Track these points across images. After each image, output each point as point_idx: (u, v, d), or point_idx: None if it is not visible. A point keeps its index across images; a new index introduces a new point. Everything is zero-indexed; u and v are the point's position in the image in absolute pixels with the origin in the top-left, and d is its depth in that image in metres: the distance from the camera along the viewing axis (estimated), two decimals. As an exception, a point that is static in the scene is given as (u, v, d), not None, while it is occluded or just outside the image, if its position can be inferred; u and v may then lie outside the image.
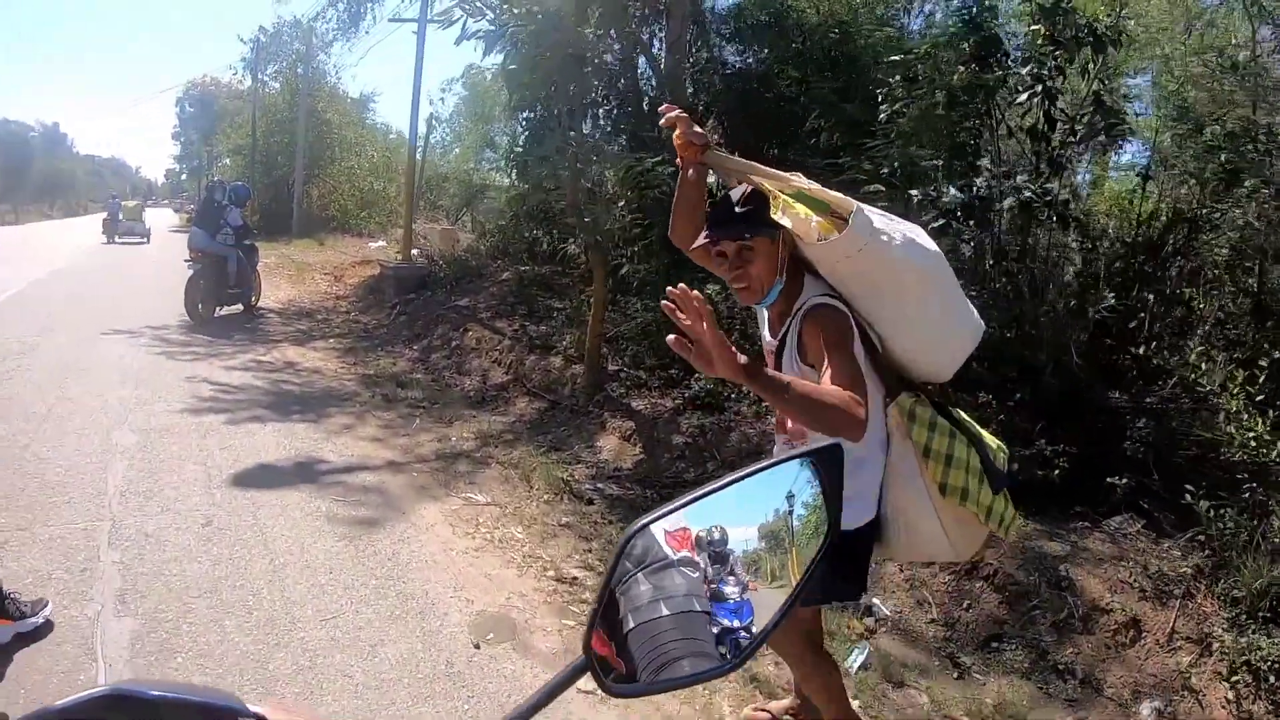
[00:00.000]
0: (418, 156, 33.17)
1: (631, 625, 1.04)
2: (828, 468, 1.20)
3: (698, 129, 2.84)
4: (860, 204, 2.55)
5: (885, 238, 2.53)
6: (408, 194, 17.50)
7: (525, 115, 15.83)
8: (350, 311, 15.29)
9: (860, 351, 2.58)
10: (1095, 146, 8.32)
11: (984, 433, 2.96)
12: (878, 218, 2.57)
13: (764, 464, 1.14)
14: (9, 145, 64.46)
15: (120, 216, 33.12)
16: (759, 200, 2.63)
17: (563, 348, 10.39)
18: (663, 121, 2.82)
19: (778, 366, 2.79)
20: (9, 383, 8.85)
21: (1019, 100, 7.29)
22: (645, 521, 1.05)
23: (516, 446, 7.95)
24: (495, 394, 10.02)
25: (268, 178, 32.43)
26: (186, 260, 13.59)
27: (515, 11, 8.94)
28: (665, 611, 1.06)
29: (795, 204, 2.53)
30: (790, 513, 1.18)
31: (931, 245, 2.68)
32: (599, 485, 7.13)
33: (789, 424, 2.91)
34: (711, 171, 3.01)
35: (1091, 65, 7.37)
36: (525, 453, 7.75)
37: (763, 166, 2.68)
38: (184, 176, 79.83)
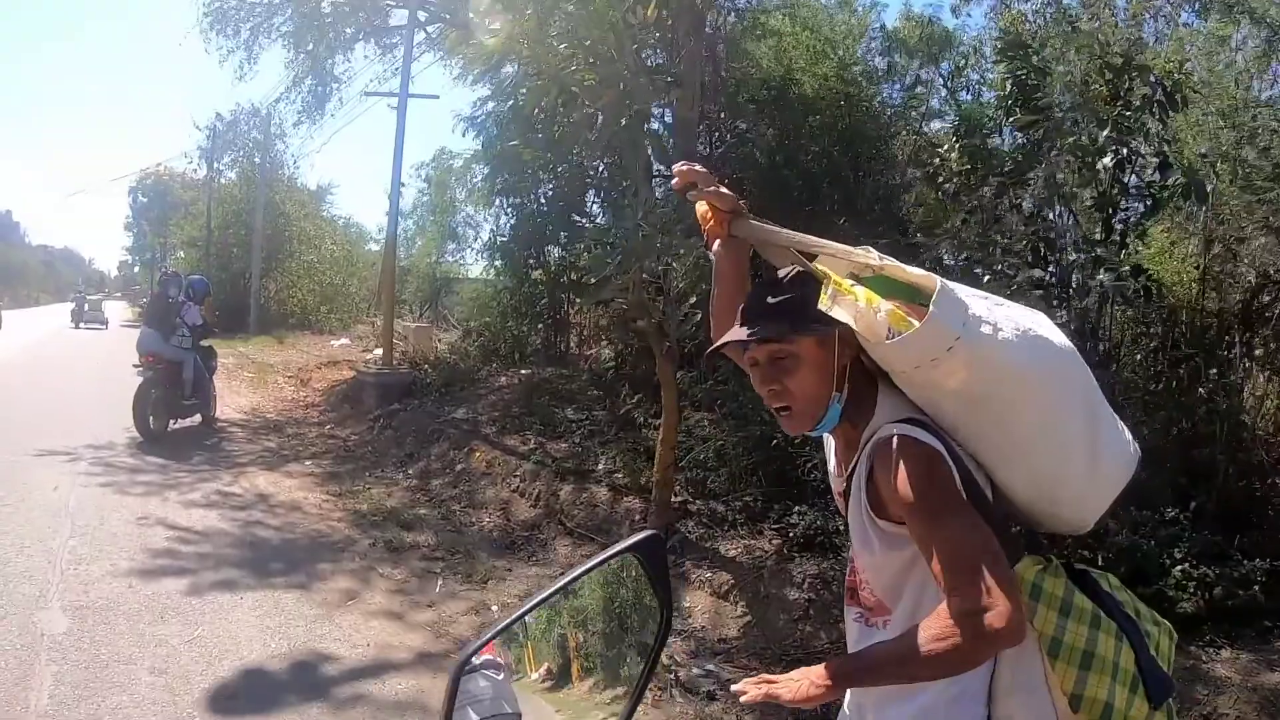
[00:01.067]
0: (379, 249, 32.06)
1: None
2: (650, 557, 1.21)
3: (724, 189, 2.10)
4: (946, 282, 1.77)
5: (987, 329, 1.76)
6: (387, 289, 15.53)
7: (511, 201, 14.20)
8: (324, 423, 13.16)
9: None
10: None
11: (1140, 606, 2.02)
12: (976, 301, 1.81)
13: (586, 566, 1.18)
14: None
15: (85, 308, 38.84)
16: (807, 285, 1.89)
17: (602, 474, 8.55)
18: (676, 183, 2.15)
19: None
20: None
21: (1102, 164, 6.65)
22: (484, 640, 1.11)
23: (577, 618, 5.86)
24: (525, 535, 8.13)
25: (224, 272, 30.25)
26: (136, 365, 11.46)
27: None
28: (474, 717, 1.05)
29: (853, 288, 1.79)
30: (624, 606, 1.22)
31: (1060, 338, 1.89)
32: (709, 668, 5.40)
33: (862, 594, 2.02)
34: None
35: (1158, 125, 6.86)
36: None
37: (814, 238, 1.94)
38: (136, 269, 77.44)
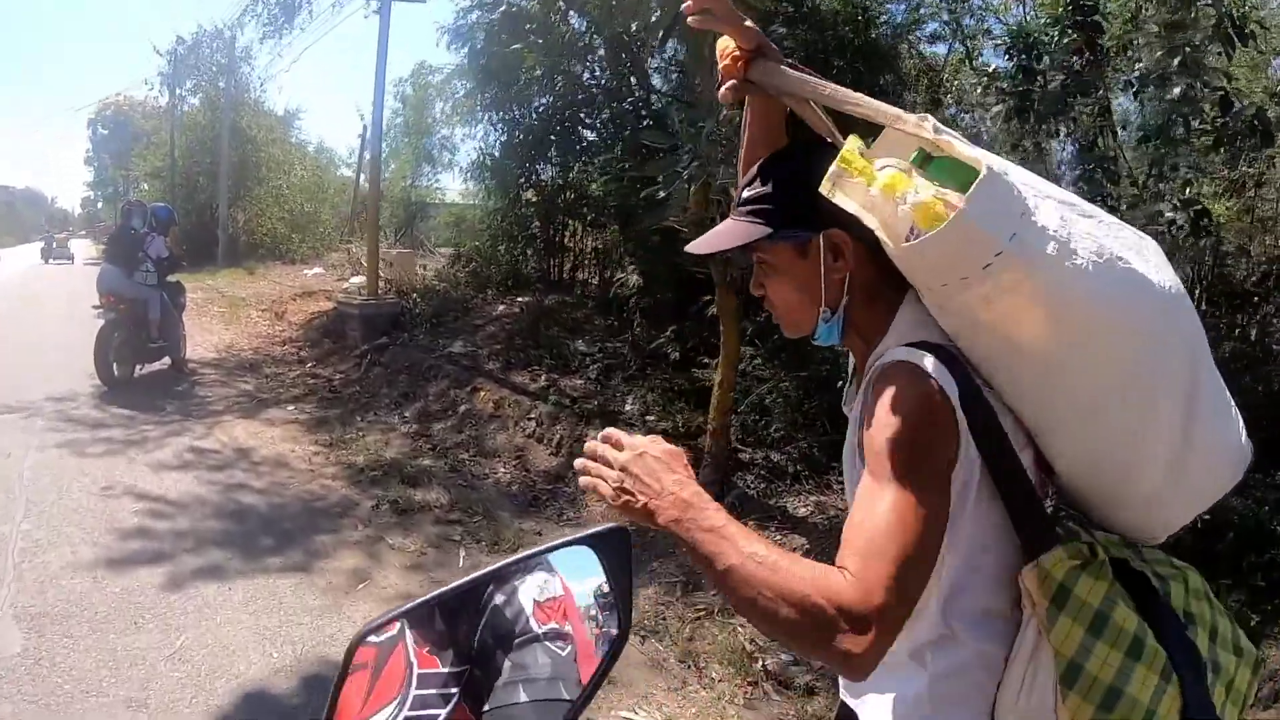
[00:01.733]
0: (352, 174, 30.51)
1: (488, 707, 0.92)
2: (611, 553, 1.08)
3: (748, 23, 1.53)
4: (998, 167, 1.26)
5: (1052, 247, 1.26)
6: (371, 212, 14.06)
7: (503, 116, 12.92)
8: (305, 361, 11.94)
9: (969, 477, 1.35)
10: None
11: (1222, 623, 1.45)
12: (1047, 206, 1.30)
13: (543, 547, 1.07)
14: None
15: (54, 245, 42.70)
16: (805, 163, 1.46)
17: (633, 415, 7.52)
18: (686, 6, 1.52)
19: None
20: None
21: (1169, 96, 6.07)
22: (367, 630, 0.91)
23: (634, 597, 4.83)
24: (549, 489, 7.12)
25: (190, 203, 28.33)
26: (95, 307, 10.20)
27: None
28: (524, 697, 0.94)
29: (873, 167, 1.32)
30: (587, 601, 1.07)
31: (1165, 277, 1.35)
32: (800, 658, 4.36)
33: None
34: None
35: (1220, 60, 6.21)
36: (656, 606, 4.92)
37: (851, 93, 1.41)
38: (100, 205, 74.86)
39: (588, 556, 1.07)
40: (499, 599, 0.99)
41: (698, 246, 1.58)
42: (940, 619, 1.43)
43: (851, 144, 1.37)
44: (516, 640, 0.97)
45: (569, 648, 0.99)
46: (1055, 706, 1.33)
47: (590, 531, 1.07)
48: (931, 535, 1.27)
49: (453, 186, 28.39)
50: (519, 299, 11.70)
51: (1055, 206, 1.31)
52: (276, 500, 6.59)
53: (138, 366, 10.34)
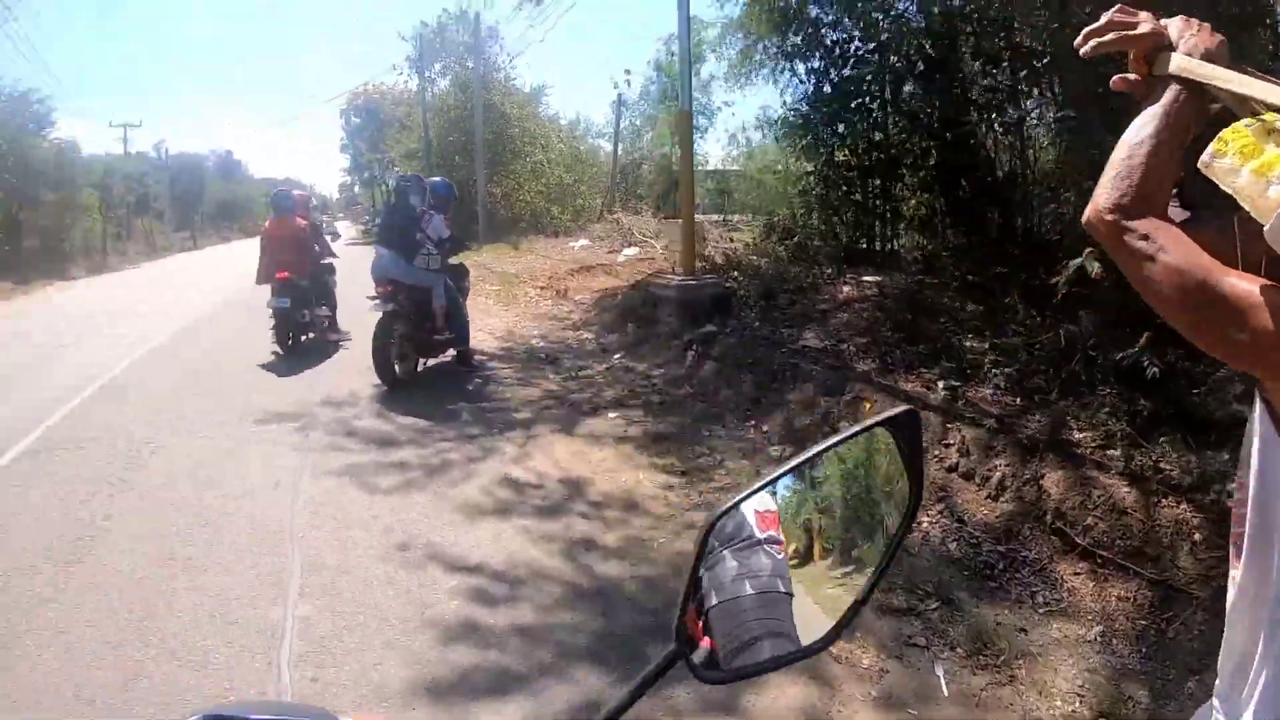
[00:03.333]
0: (609, 145, 28.95)
1: (714, 602, 0.98)
2: (905, 435, 1.12)
3: (1143, 23, 1.45)
4: None
5: None
6: (685, 178, 11.55)
7: (812, 67, 10.74)
8: (609, 350, 9.92)
9: None
10: None
11: None
12: None
13: (843, 435, 1.09)
14: (187, 175, 62.70)
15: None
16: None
17: (1091, 446, 5.49)
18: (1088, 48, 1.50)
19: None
20: (81, 571, 4.43)
21: None
22: (733, 502, 1.01)
23: None
24: (1000, 551, 4.90)
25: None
26: (371, 297, 8.52)
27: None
28: (749, 590, 1.00)
29: (1261, 149, 1.23)
30: (873, 483, 1.14)
31: None
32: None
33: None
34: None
35: None
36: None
37: (1264, 83, 1.31)
38: (356, 188, 77.09)
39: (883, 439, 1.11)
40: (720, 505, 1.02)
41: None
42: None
43: (1240, 124, 1.27)
44: (739, 544, 1.00)
45: (784, 553, 1.02)
46: None
47: (885, 415, 1.09)
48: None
49: (714, 153, 26.54)
50: (865, 278, 9.29)
51: None
52: (646, 572, 4.53)
53: (421, 362, 8.64)
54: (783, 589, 1.01)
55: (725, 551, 1.00)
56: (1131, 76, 1.46)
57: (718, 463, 6.12)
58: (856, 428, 1.09)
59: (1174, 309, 1.30)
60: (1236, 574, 1.39)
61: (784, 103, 12.21)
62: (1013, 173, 9.63)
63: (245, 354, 10.01)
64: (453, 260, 9.24)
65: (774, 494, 1.05)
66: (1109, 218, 1.37)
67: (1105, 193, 1.38)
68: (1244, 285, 1.24)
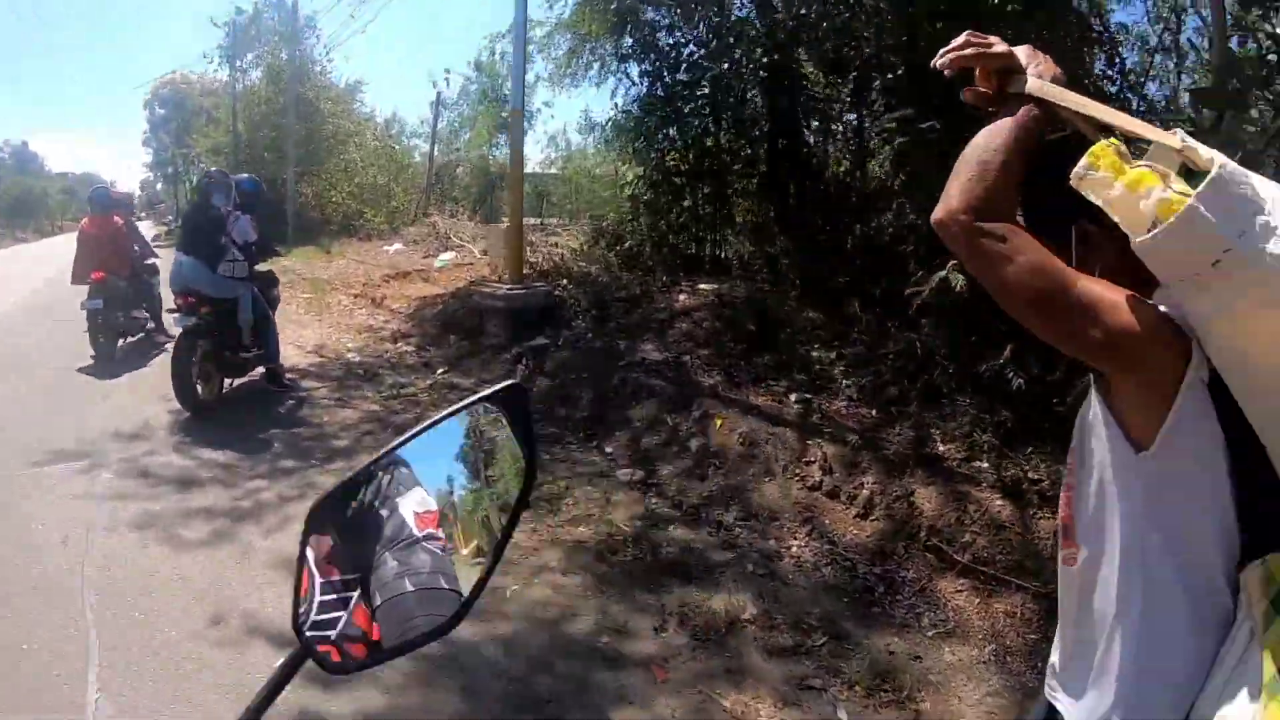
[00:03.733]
0: (425, 145, 27.84)
1: (378, 602, 1.00)
2: (511, 408, 1.12)
3: (995, 44, 1.54)
4: (1231, 168, 1.28)
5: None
6: (515, 179, 10.80)
7: (646, 69, 10.66)
8: (432, 364, 9.04)
9: (1212, 453, 1.33)
10: None
11: None
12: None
13: (444, 414, 1.08)
14: (-30, 170, 57.89)
15: None
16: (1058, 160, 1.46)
17: (958, 458, 5.50)
18: (945, 64, 1.57)
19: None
20: None
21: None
22: (326, 493, 1.00)
23: None
24: (879, 574, 4.70)
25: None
26: (171, 310, 7.54)
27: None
28: (409, 588, 1.02)
29: (1125, 164, 1.34)
30: (485, 459, 1.13)
31: None
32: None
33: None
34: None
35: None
36: None
37: (1111, 110, 1.47)
38: (159, 185, 72.16)
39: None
40: (384, 512, 1.03)
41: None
42: (1144, 600, 1.38)
43: (1104, 143, 1.37)
44: (400, 544, 1.02)
45: (444, 548, 1.04)
46: (1259, 712, 1.23)
47: (491, 390, 1.09)
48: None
49: (533, 156, 26.01)
50: (702, 286, 8.89)
51: None
52: (504, 630, 3.96)
53: (226, 383, 7.63)
54: (445, 584, 1.04)
55: (386, 553, 1.02)
56: (983, 90, 1.54)
57: (563, 491, 5.55)
58: (458, 405, 1.09)
59: (1029, 308, 1.36)
60: (1077, 555, 1.51)
61: (615, 105, 11.80)
62: (845, 181, 9.52)
63: (38, 372, 8.75)
64: (261, 267, 8.29)
65: (430, 493, 1.06)
66: (963, 218, 1.39)
67: (960, 195, 1.41)
68: (1097, 288, 1.36)
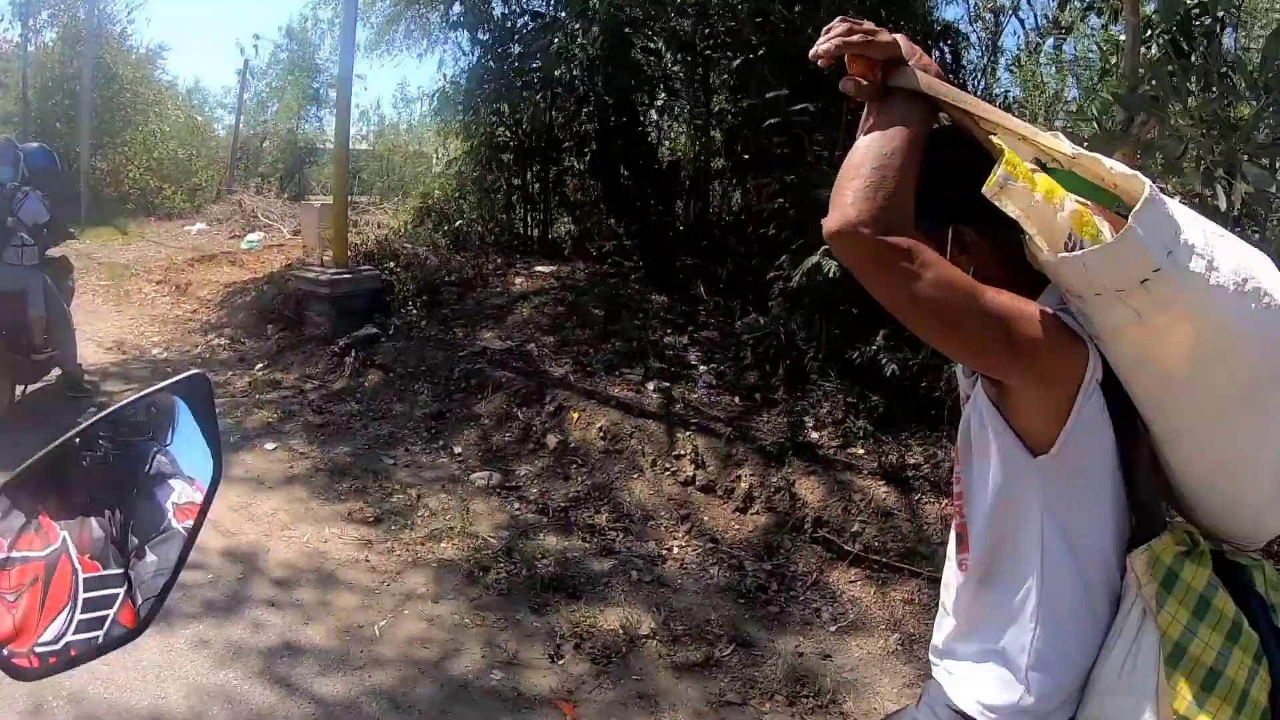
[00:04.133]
0: (230, 117, 25.90)
1: (140, 600, 0.99)
2: (193, 398, 1.08)
3: (881, 33, 1.42)
4: (1156, 190, 1.31)
5: (1199, 265, 1.29)
6: (339, 154, 9.43)
7: (480, 38, 10.08)
8: (249, 360, 8.11)
9: (1102, 446, 1.40)
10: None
11: None
12: (1191, 225, 1.33)
13: (120, 405, 1.06)
14: None
15: None
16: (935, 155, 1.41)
17: (831, 447, 5.44)
18: (820, 54, 1.43)
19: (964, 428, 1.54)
20: None
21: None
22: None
23: None
24: (768, 572, 4.49)
25: (47, 152, 23.49)
26: (-52, 308, 6.53)
27: None
28: (162, 582, 1.00)
29: (1033, 173, 1.31)
30: (166, 451, 1.08)
31: None
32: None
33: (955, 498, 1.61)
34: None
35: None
36: None
37: (992, 108, 1.42)
38: (-62, 161, 65.57)
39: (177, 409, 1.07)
40: (141, 505, 1.00)
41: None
42: (1042, 589, 1.43)
43: (1008, 149, 1.32)
44: (157, 538, 0.98)
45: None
46: (1157, 686, 1.35)
47: (173, 380, 1.05)
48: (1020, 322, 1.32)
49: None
50: (539, 269, 8.41)
51: (1195, 222, 1.33)
52: (382, 680, 3.47)
53: (18, 389, 6.59)
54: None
55: (146, 546, 0.99)
56: (865, 81, 1.41)
57: (415, 501, 5.00)
58: (145, 392, 1.05)
59: (936, 324, 1.33)
60: (968, 561, 1.53)
61: (443, 75, 11.12)
62: (678, 161, 9.25)
63: None
64: (53, 252, 7.18)
65: (191, 481, 1.04)
66: (865, 232, 1.29)
67: (859, 205, 1.29)
68: (1003, 298, 1.32)
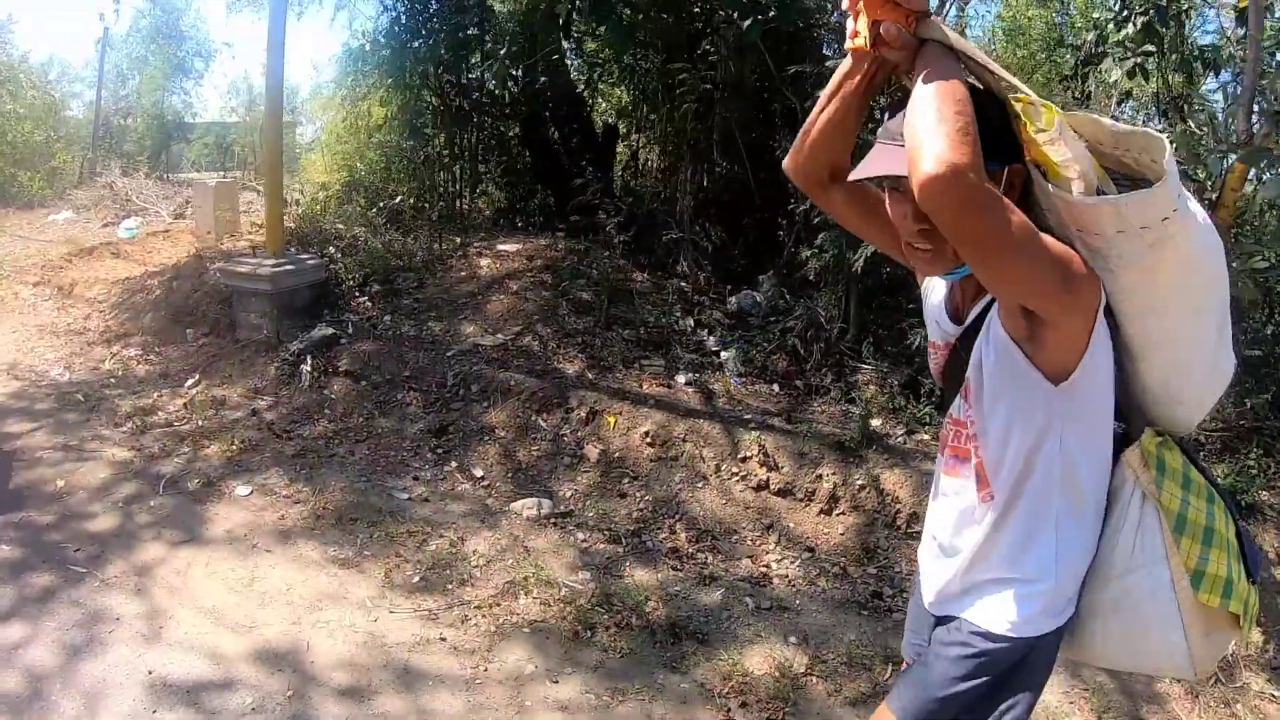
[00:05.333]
0: (90, 93, 23.41)
1: None
2: None
3: None
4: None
5: (1192, 203, 1.44)
6: (271, 123, 7.80)
7: None
8: (174, 374, 6.72)
9: (1101, 334, 1.50)
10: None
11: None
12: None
13: None
14: None
15: None
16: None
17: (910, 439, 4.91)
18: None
19: (963, 362, 1.65)
20: None
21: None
22: None
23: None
24: (874, 574, 4.15)
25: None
26: None
27: None
28: None
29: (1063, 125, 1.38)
30: None
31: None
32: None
33: (956, 439, 1.69)
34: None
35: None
36: None
37: (997, 65, 1.46)
38: None
39: None
40: None
41: (859, 172, 1.54)
42: (1062, 499, 1.56)
43: (1043, 103, 1.38)
44: None
45: None
46: (1168, 551, 1.57)
47: None
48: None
49: (211, 103, 23.11)
50: (503, 248, 7.41)
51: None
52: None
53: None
54: None
55: None
56: (896, 31, 1.42)
57: (460, 546, 4.07)
58: None
59: (1016, 262, 1.33)
60: (993, 494, 1.61)
61: (361, 33, 9.76)
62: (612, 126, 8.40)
63: None
64: None
65: None
66: (972, 176, 1.26)
67: (959, 149, 1.25)
68: (1051, 238, 1.39)
